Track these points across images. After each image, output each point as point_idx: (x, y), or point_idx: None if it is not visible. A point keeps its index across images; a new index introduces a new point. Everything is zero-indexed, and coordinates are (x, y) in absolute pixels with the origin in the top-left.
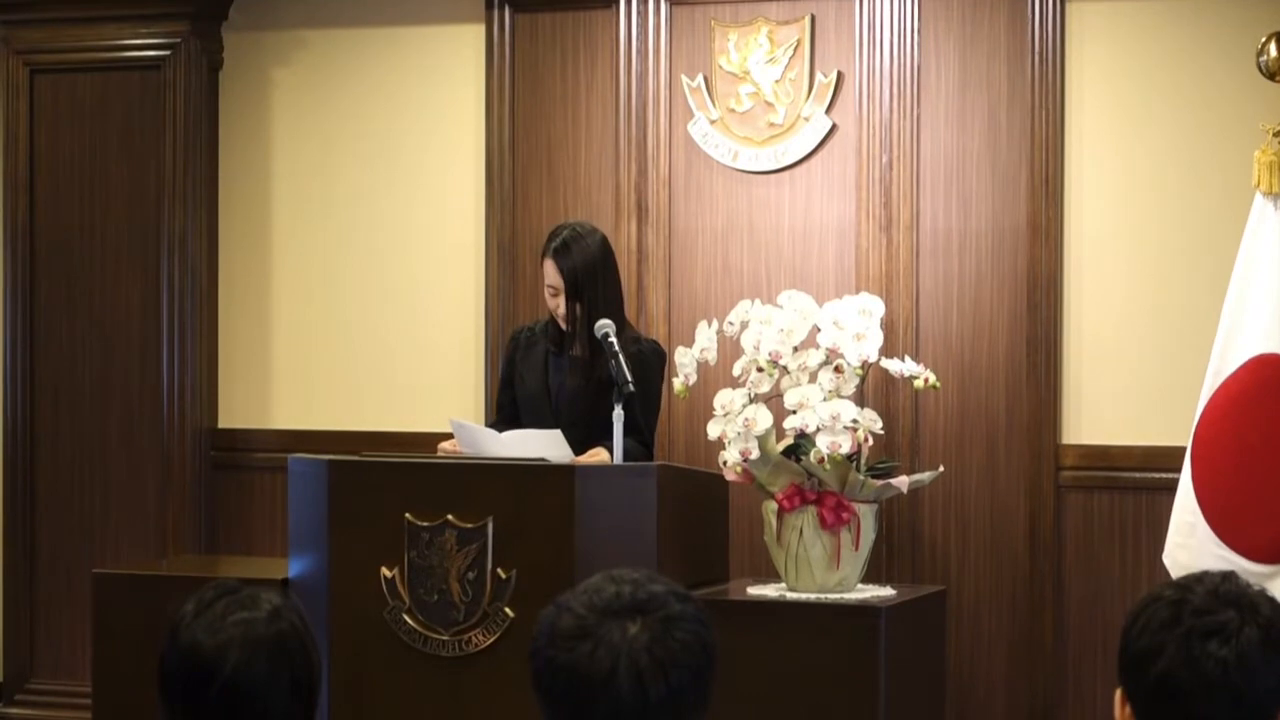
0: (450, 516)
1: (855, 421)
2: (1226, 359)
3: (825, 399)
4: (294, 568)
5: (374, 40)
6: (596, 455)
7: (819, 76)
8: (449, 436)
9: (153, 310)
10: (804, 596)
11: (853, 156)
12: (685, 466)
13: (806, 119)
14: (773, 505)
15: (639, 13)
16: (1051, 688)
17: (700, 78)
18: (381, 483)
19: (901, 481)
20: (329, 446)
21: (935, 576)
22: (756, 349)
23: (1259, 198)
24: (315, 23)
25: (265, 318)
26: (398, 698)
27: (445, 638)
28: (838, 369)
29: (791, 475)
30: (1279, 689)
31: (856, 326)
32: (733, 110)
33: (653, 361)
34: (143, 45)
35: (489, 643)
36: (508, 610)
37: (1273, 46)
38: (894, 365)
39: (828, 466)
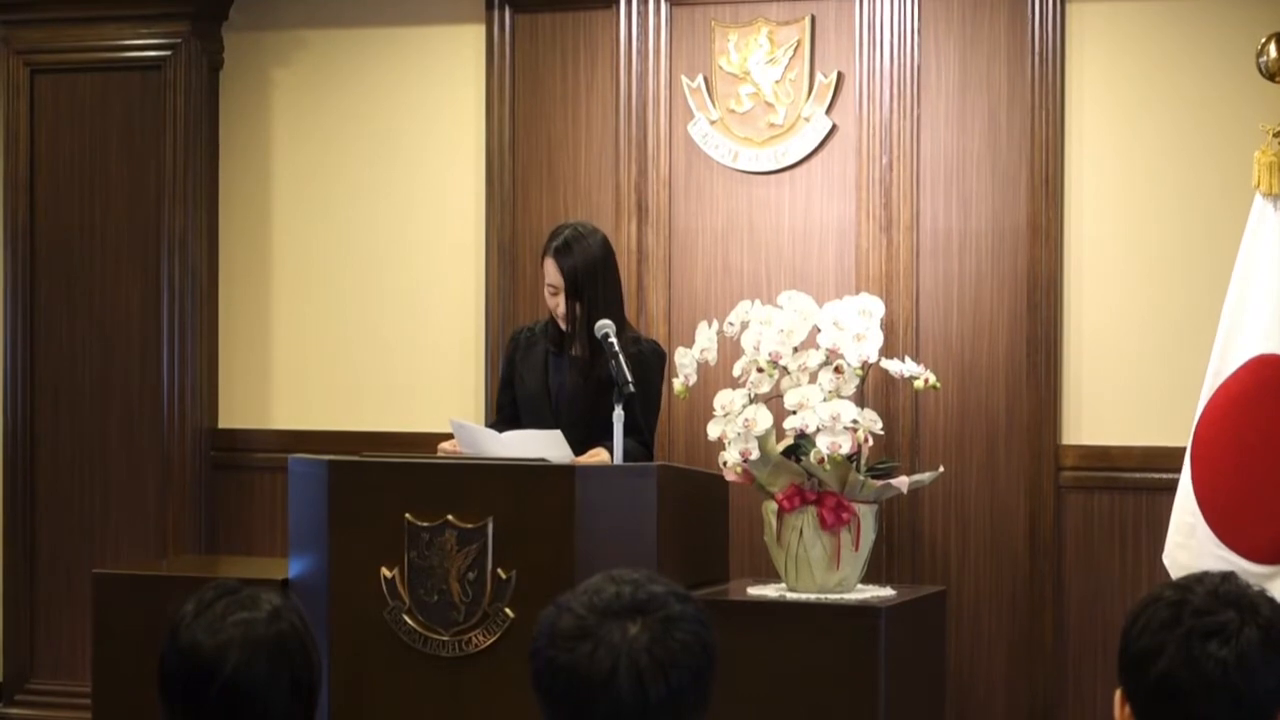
0: (450, 517)
1: (855, 422)
2: (1226, 359)
3: (825, 399)
4: (294, 568)
5: (374, 40)
6: (596, 455)
7: (819, 77)
8: (449, 437)
9: (153, 310)
10: (804, 597)
11: (853, 157)
12: (685, 467)
13: (807, 119)
14: (773, 505)
15: (639, 13)
16: (1051, 688)
17: (700, 78)
18: (381, 483)
19: (901, 482)
20: (329, 447)
21: (935, 577)
22: (756, 349)
23: (1259, 198)
24: (315, 23)
25: (265, 318)
26: (398, 698)
27: (445, 638)
28: (838, 369)
29: (791, 475)
30: (1279, 689)
31: (856, 327)
32: (733, 111)
33: (653, 362)
34: (143, 45)
35: (489, 643)
36: (508, 610)
37: (1272, 47)
38: (894, 366)
39: (828, 467)
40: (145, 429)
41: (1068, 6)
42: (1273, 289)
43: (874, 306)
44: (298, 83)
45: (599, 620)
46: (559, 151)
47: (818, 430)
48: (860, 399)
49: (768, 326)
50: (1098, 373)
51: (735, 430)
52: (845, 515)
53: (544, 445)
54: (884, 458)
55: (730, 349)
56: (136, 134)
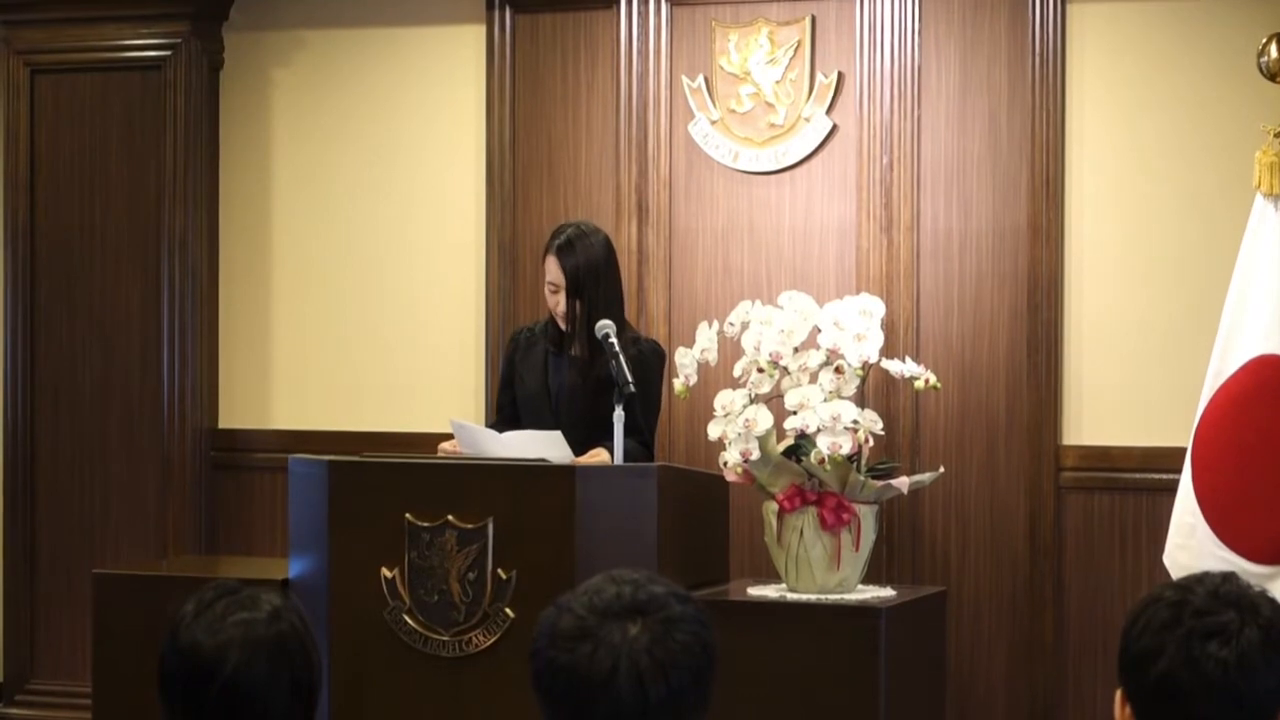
0: (450, 517)
1: (856, 422)
2: (1227, 360)
3: (826, 400)
4: (294, 568)
5: (374, 41)
6: (597, 456)
7: (819, 77)
8: (449, 437)
9: (153, 310)
10: (804, 597)
11: (853, 157)
12: (686, 467)
13: (807, 120)
14: (773, 506)
15: (639, 13)
16: (1052, 688)
17: (701, 78)
18: (382, 483)
19: (902, 482)
20: (329, 447)
21: (935, 577)
22: (757, 350)
23: (1259, 199)
24: (316, 23)
25: (265, 318)
26: (398, 698)
27: (445, 638)
28: (838, 370)
29: (792, 476)
30: (1279, 689)
31: (857, 327)
32: (733, 111)
33: (652, 362)
34: (143, 45)
35: (489, 643)
36: (508, 611)
37: (1273, 47)
38: (894, 366)
39: (828, 467)
40: (145, 429)
41: (1068, 7)
42: (1273, 289)
43: (874, 307)
44: (298, 83)
45: (599, 621)
46: (559, 152)
47: (818, 430)
48: (861, 399)
49: (768, 327)
50: (1098, 373)
51: (736, 430)
52: (845, 516)
53: (544, 446)
54: (884, 458)
55: (731, 349)
56: (137, 134)
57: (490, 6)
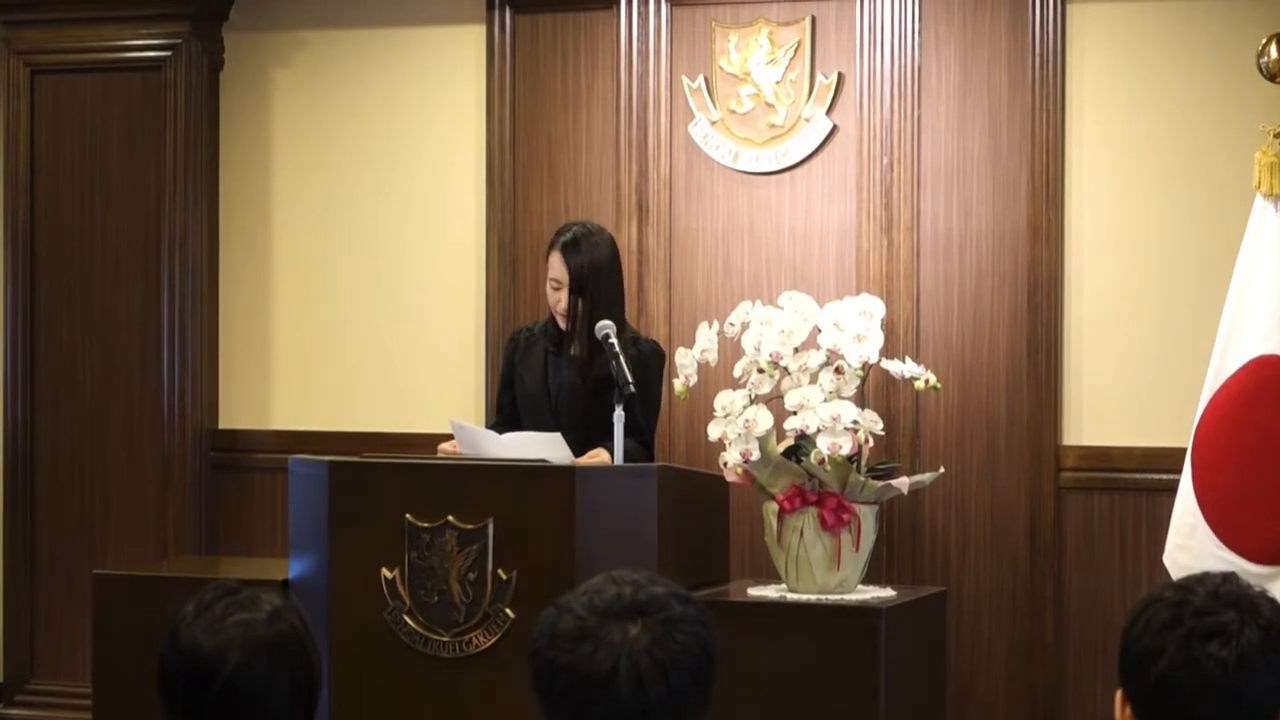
0: (451, 517)
1: (856, 423)
2: (1227, 360)
3: (826, 400)
4: (294, 569)
5: (374, 41)
6: (597, 456)
7: (819, 78)
8: (449, 437)
9: (153, 311)
10: (804, 597)
11: (853, 158)
12: (686, 468)
13: (807, 120)
14: (773, 506)
15: (639, 14)
16: (1052, 688)
17: (701, 79)
18: (382, 483)
19: (902, 482)
20: (329, 447)
21: (936, 577)
22: (757, 350)
23: (1259, 199)
24: (316, 23)
25: (265, 318)
26: (398, 699)
27: (446, 639)
28: (838, 370)
29: (792, 476)
30: (1279, 690)
31: (857, 328)
32: (733, 111)
33: (652, 362)
34: (143, 46)
35: (489, 644)
36: (508, 611)
37: (1273, 48)
38: (894, 366)
39: (828, 468)
40: (145, 429)
41: (1068, 8)
42: (1273, 289)
43: (874, 307)
44: (298, 83)
45: (599, 621)
46: (559, 152)
47: (818, 431)
48: (861, 400)
49: (768, 327)
50: (1098, 373)
51: (736, 431)
52: (846, 516)
53: (544, 447)
54: (884, 458)
55: (731, 350)
56: (137, 134)
57: (490, 7)
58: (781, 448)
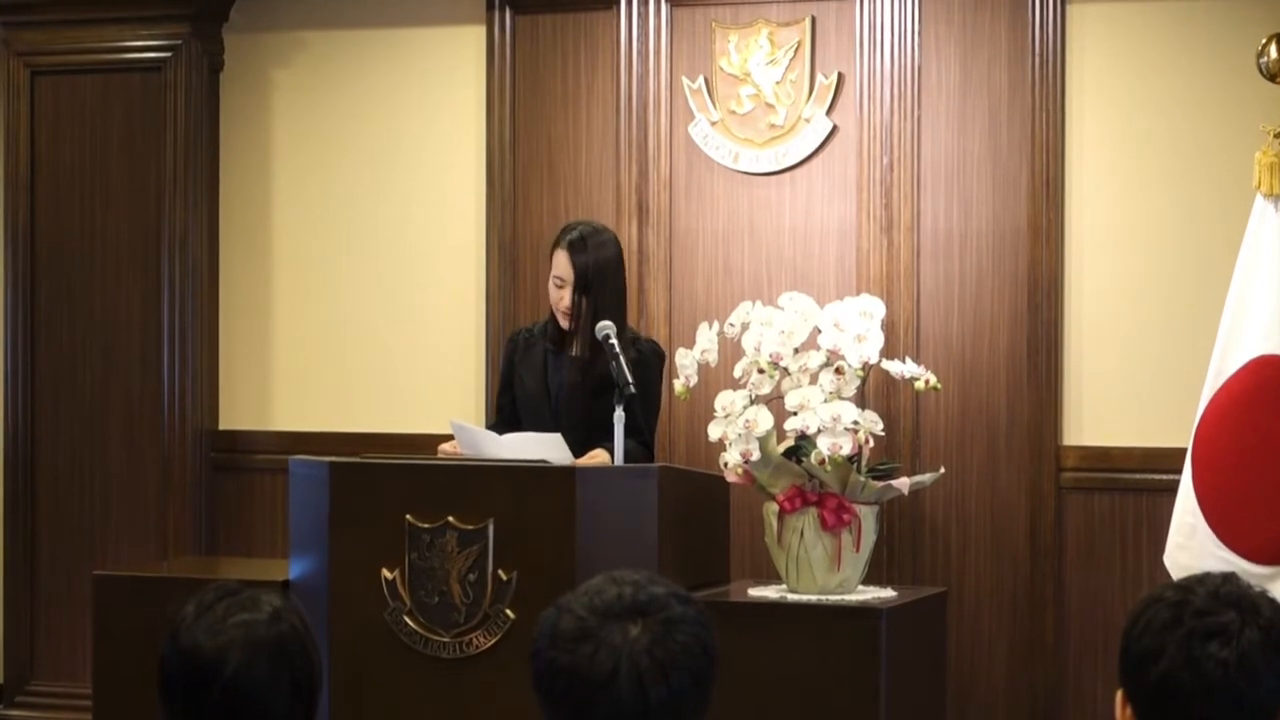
0: (451, 518)
1: (856, 423)
2: (1227, 360)
3: (826, 400)
4: (295, 569)
5: (374, 42)
6: (597, 457)
7: (820, 78)
8: (449, 438)
9: (153, 311)
10: (805, 598)
11: (853, 158)
12: (686, 468)
13: (807, 120)
14: (774, 507)
15: (639, 14)
16: (1052, 689)
17: (701, 79)
18: (382, 484)
19: (902, 483)
20: (329, 448)
21: (936, 578)
22: (757, 350)
23: (1259, 199)
24: (316, 24)
25: (266, 319)
26: (398, 699)
27: (446, 639)
28: (839, 370)
29: (792, 477)
30: (1279, 690)
31: (857, 328)
32: (733, 112)
33: (652, 362)
34: (143, 47)
35: (490, 644)
36: (508, 612)
37: (1273, 48)
38: (895, 367)
39: (829, 468)
40: (145, 430)
41: (1068, 7)
42: (1273, 290)
43: (875, 308)
44: (298, 84)
45: (600, 622)
46: (559, 153)
47: (819, 431)
48: (861, 400)
49: (768, 327)
50: (1098, 373)
51: (736, 431)
52: (846, 516)
53: (544, 448)
54: (885, 459)
55: (731, 350)
56: (137, 135)
57: (490, 7)
58: (782, 448)
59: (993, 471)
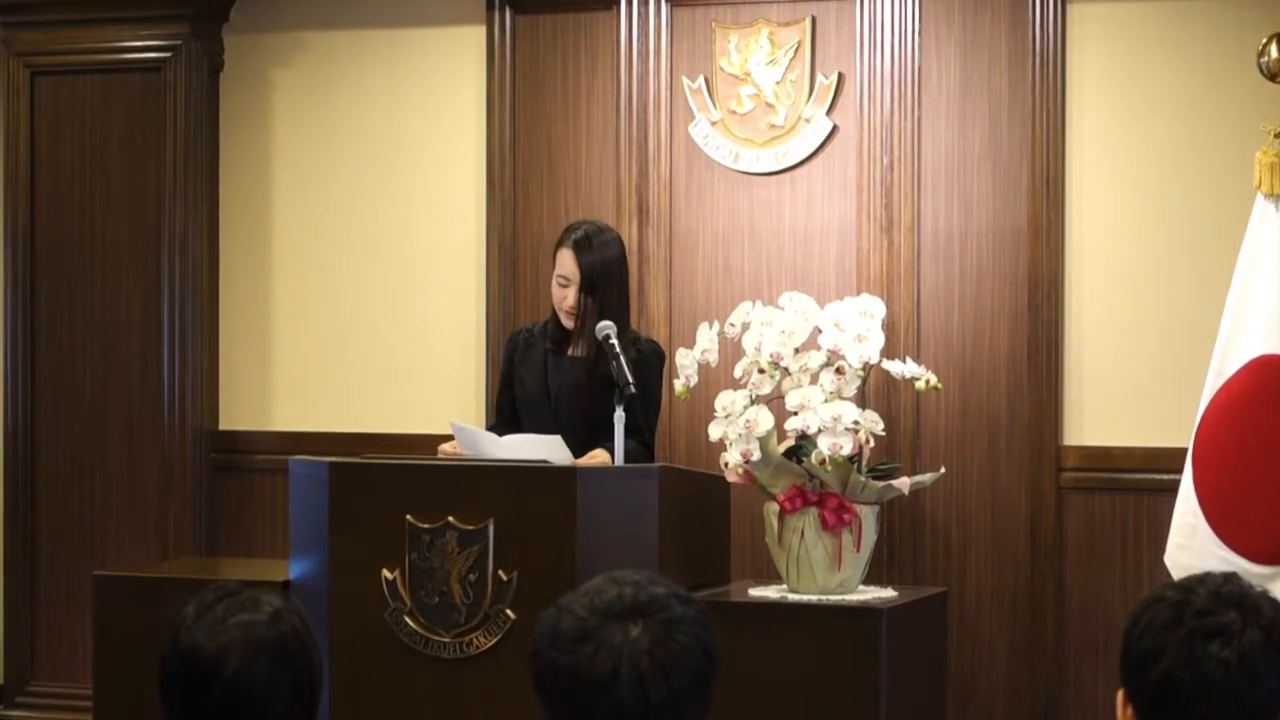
0: (451, 518)
1: (856, 423)
2: (1228, 360)
3: (826, 400)
4: (295, 570)
5: (375, 42)
6: (597, 457)
7: (820, 78)
8: (449, 438)
9: (153, 312)
10: (805, 598)
11: (854, 158)
12: (686, 468)
13: (807, 120)
14: (774, 507)
15: (639, 14)
16: (1053, 689)
17: (701, 79)
18: (382, 484)
19: (903, 483)
20: (329, 448)
21: (936, 578)
22: (758, 350)
23: (1259, 199)
24: (316, 24)
25: (266, 319)
26: (399, 700)
27: (446, 640)
28: (839, 370)
29: (793, 477)
30: None
31: (858, 328)
32: (733, 112)
33: (653, 362)
34: (143, 47)
35: (490, 645)
36: (509, 612)
37: (1273, 47)
38: (895, 367)
39: (829, 468)
40: (145, 430)
41: (1068, 8)
42: (1273, 290)
43: (875, 308)
44: (298, 84)
45: (600, 622)
46: (559, 153)
47: (819, 431)
48: (861, 400)
49: (769, 328)
50: (1099, 373)
51: (736, 431)
52: (846, 516)
53: (544, 450)
54: (885, 459)
55: (731, 350)
56: (137, 136)
57: (490, 8)
58: (782, 448)
59: (993, 471)
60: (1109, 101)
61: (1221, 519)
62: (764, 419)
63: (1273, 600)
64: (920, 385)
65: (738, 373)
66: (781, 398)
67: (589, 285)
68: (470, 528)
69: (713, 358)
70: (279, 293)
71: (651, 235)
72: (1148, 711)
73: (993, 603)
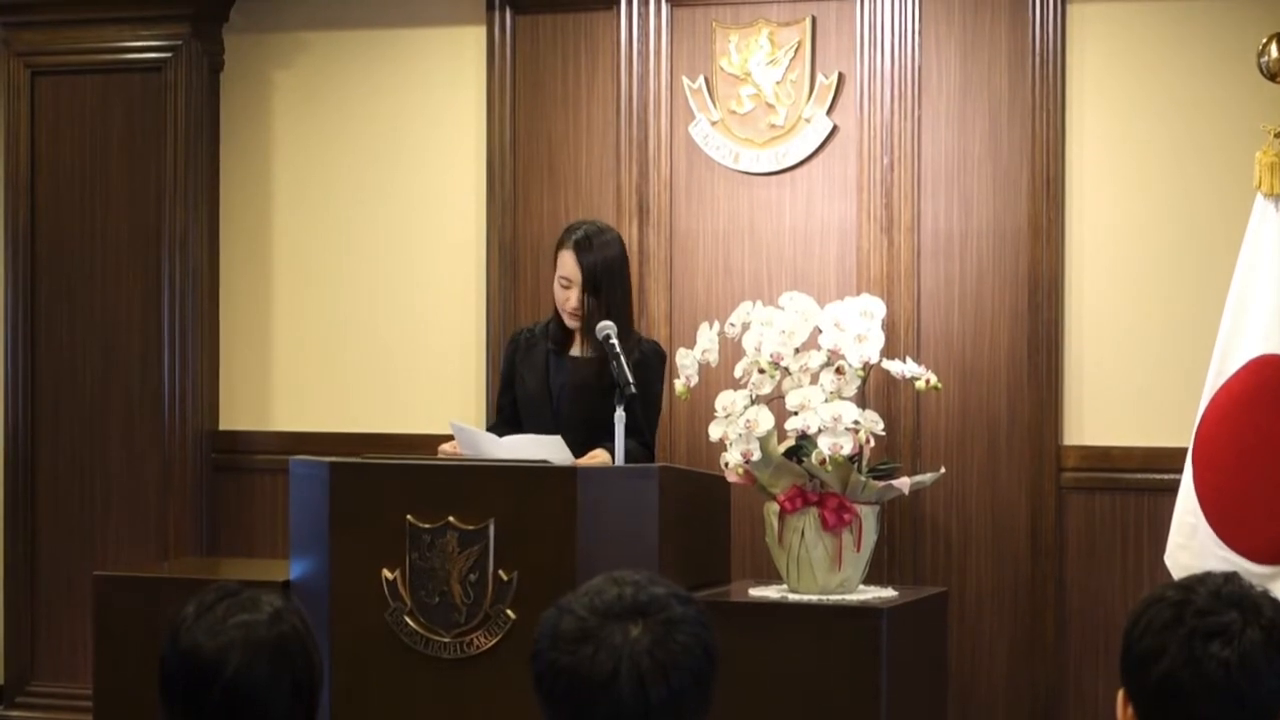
0: (451, 518)
1: (857, 423)
2: (1228, 360)
3: (827, 400)
4: (295, 570)
5: (375, 42)
6: (597, 457)
7: (820, 78)
8: (450, 438)
9: (153, 312)
10: (805, 598)
11: (854, 158)
12: (687, 468)
13: (807, 120)
14: (774, 507)
15: (640, 14)
16: (1053, 688)
17: (701, 79)
18: (383, 484)
19: (903, 483)
20: (330, 448)
21: (937, 578)
22: (758, 350)
23: (1259, 199)
24: (316, 25)
25: (266, 320)
26: (399, 700)
27: (446, 640)
28: (839, 370)
29: (793, 477)
30: None
31: (858, 328)
32: (734, 112)
33: (653, 363)
34: (144, 47)
35: (490, 645)
36: (509, 612)
37: (1273, 47)
38: (895, 366)
39: (829, 468)
40: (146, 430)
41: (1068, 8)
42: (1273, 290)
43: (875, 307)
44: (298, 84)
45: (600, 622)
46: (560, 153)
47: (819, 431)
48: (862, 400)
49: (769, 327)
50: (1099, 373)
51: (737, 431)
52: (847, 516)
53: (544, 450)
54: (885, 459)
55: (731, 350)
56: (137, 136)
57: (490, 8)
58: (782, 448)
59: (993, 471)
60: (1109, 101)
61: (1222, 519)
62: (764, 419)
63: (1273, 600)
64: (920, 385)
65: (738, 373)
66: (782, 398)
67: (592, 286)
68: (471, 528)
69: (713, 358)
70: (279, 293)
71: (652, 235)
72: (1148, 711)
73: (993, 602)
